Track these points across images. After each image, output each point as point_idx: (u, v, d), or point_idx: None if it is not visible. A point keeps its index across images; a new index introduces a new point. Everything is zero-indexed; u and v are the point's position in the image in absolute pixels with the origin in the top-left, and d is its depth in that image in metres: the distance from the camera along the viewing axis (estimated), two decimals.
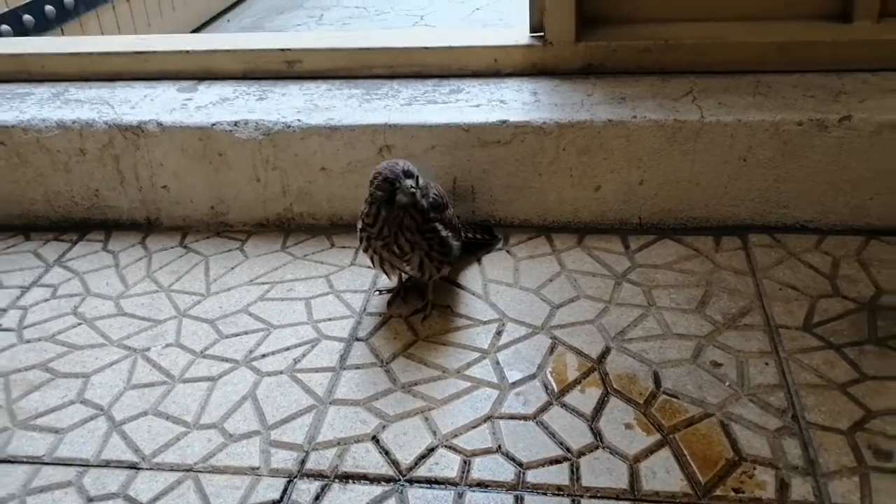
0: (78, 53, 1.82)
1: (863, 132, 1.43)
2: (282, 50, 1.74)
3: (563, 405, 1.20)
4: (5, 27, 2.98)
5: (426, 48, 1.70)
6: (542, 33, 1.67)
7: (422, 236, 1.33)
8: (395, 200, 1.29)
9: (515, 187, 1.58)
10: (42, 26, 3.25)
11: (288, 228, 1.68)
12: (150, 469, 1.15)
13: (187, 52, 1.78)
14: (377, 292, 1.47)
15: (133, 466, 1.15)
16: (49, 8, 3.32)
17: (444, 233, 1.35)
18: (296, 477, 1.12)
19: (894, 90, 1.51)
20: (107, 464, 1.16)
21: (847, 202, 1.50)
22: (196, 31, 4.46)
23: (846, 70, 1.59)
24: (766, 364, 1.24)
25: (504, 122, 1.53)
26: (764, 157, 1.48)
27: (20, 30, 3.06)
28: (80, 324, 1.46)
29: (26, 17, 3.13)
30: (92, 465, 1.16)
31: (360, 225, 1.36)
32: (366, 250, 1.37)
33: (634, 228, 1.59)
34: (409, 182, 1.28)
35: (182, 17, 4.35)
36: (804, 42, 1.59)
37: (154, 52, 1.79)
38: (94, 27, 3.65)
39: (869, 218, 1.51)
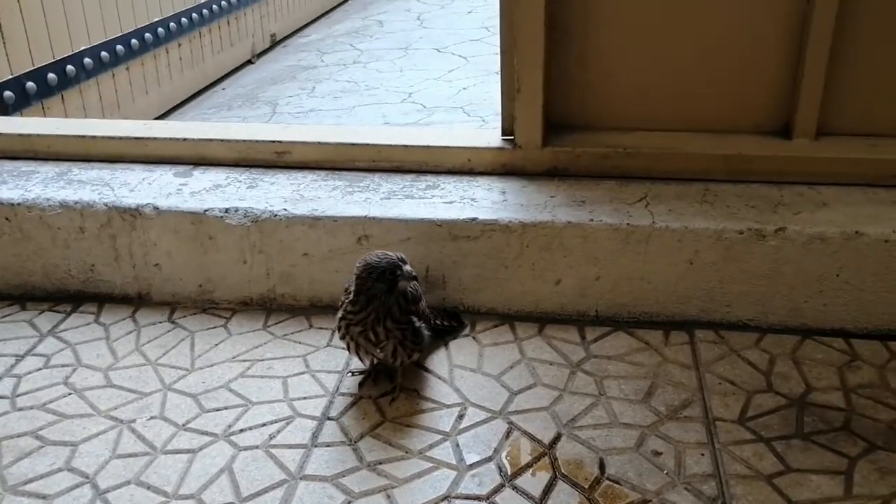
0: (83, 136, 1.96)
1: (796, 242, 1.59)
2: (272, 141, 1.89)
3: (515, 487, 1.31)
4: None
5: (406, 146, 1.85)
6: (512, 136, 1.83)
7: (397, 326, 1.45)
8: (395, 289, 1.42)
9: (483, 278, 1.71)
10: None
11: (270, 308, 1.80)
12: None
13: (184, 139, 1.93)
14: (350, 374, 1.59)
15: None
16: (51, 76, 3.47)
17: (417, 323, 1.48)
18: None
19: (826, 203, 1.67)
20: None
21: (784, 304, 1.64)
22: (192, 98, 4.64)
23: (786, 182, 1.75)
24: (702, 454, 1.36)
25: (474, 219, 1.67)
26: (709, 261, 1.63)
27: None
28: (70, 393, 1.56)
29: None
30: None
31: (340, 314, 1.49)
32: (343, 337, 1.49)
33: (591, 320, 1.72)
34: (408, 267, 1.42)
35: (179, 86, 4.52)
36: (749, 156, 1.75)
37: (154, 138, 1.94)
38: (94, 95, 3.80)
39: (804, 319, 1.65)
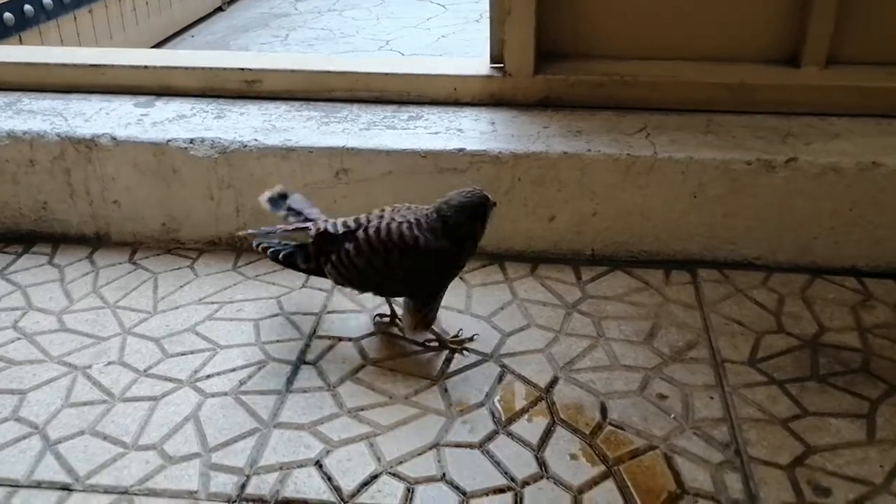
0: (34, 63, 1.79)
1: (808, 174, 1.47)
2: (241, 69, 1.74)
3: (510, 434, 1.20)
4: None
5: (387, 74, 1.71)
6: (501, 64, 1.69)
7: None
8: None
9: None
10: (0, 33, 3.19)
11: (240, 248, 1.66)
12: (84, 491, 1.11)
13: (146, 67, 1.77)
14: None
15: (66, 488, 1.12)
16: (7, 15, 3.27)
17: None
18: (235, 502, 1.10)
19: (839, 134, 1.55)
20: (38, 485, 1.13)
21: (793, 241, 1.54)
22: (159, 45, 4.43)
23: (794, 113, 1.64)
24: (711, 398, 1.26)
25: (461, 150, 1.54)
26: (714, 195, 1.51)
27: None
28: (19, 338, 1.42)
29: None
30: (22, 486, 1.12)
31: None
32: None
33: (587, 259, 1.60)
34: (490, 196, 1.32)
35: (145, 31, 4.31)
36: (754, 85, 1.64)
37: (112, 65, 1.78)
38: (54, 37, 3.60)
39: (814, 257, 1.55)
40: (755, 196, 1.51)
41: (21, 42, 3.37)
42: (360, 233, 1.29)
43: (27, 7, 3.37)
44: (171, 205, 1.64)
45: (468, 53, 4.03)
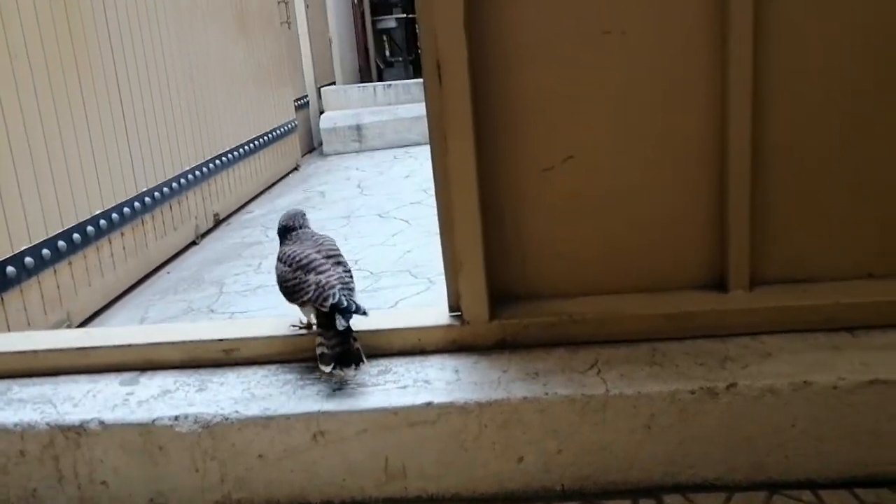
0: (24, 352, 1.91)
1: (748, 397, 1.60)
2: (220, 340, 1.88)
3: None
4: None
5: (355, 332, 1.85)
6: (459, 312, 1.85)
7: None
8: None
9: (444, 463, 1.67)
10: None
11: None
12: None
13: (129, 345, 1.90)
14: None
15: None
16: None
17: None
18: None
19: (770, 354, 1.70)
20: None
21: (746, 460, 1.64)
22: (136, 285, 4.61)
23: (730, 335, 1.79)
24: None
25: (429, 403, 1.65)
26: (666, 424, 1.63)
27: None
28: None
29: None
30: None
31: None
32: None
33: (558, 495, 1.68)
34: None
35: (122, 275, 4.50)
36: (690, 312, 1.80)
37: (97, 346, 1.90)
38: (34, 293, 3.75)
39: (769, 473, 1.64)
40: (704, 422, 1.62)
41: (3, 303, 3.52)
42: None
43: (10, 269, 3.55)
44: (158, 480, 1.71)
45: (433, 266, 4.25)
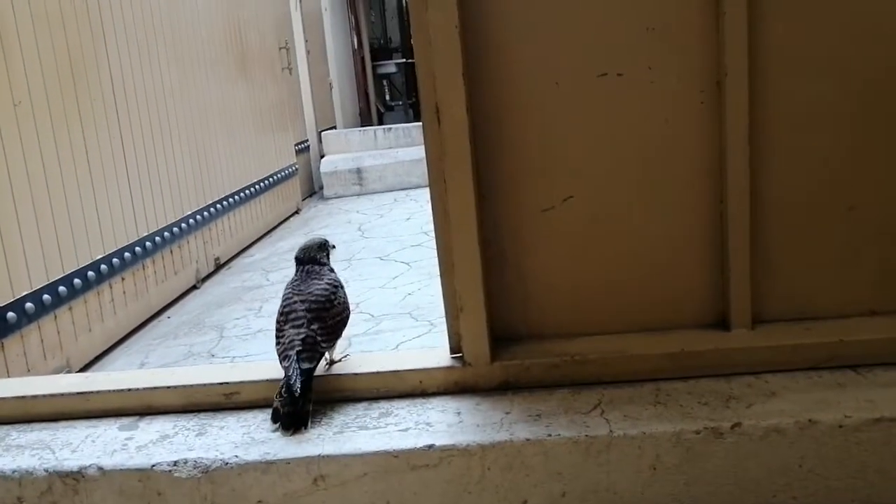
0: (23, 397, 1.90)
1: (753, 437, 1.59)
2: (220, 384, 1.86)
3: None
4: None
5: (356, 374, 1.85)
6: (460, 354, 1.84)
7: None
8: None
9: None
10: None
11: None
12: None
13: (129, 389, 1.89)
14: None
15: None
16: None
17: None
18: None
19: (775, 393, 1.69)
20: None
21: (754, 501, 1.62)
22: (136, 330, 4.60)
23: (733, 374, 1.78)
24: None
25: (431, 446, 1.64)
26: (671, 465, 1.61)
27: None
28: None
29: None
30: None
31: None
32: None
33: None
34: None
35: (123, 319, 4.49)
36: (693, 351, 1.79)
37: (96, 391, 1.89)
38: (34, 339, 3.74)
39: None
40: (709, 462, 1.60)
41: (3, 348, 3.51)
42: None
43: (10, 314, 3.55)
44: None
45: (434, 309, 4.24)
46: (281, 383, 1.76)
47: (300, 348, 1.75)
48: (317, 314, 1.81)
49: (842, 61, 1.75)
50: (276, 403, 1.75)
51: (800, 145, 1.78)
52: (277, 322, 1.84)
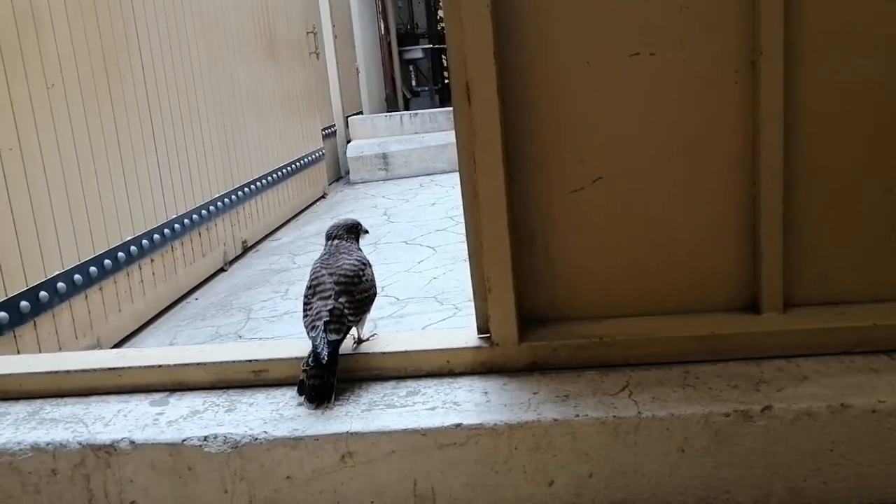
0: (56, 372, 1.93)
1: (784, 420, 1.57)
2: (249, 361, 1.88)
3: None
4: None
5: (384, 353, 1.85)
6: (488, 334, 1.84)
7: None
8: None
9: (473, 486, 1.65)
10: None
11: None
12: None
13: (159, 366, 1.91)
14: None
15: None
16: (24, 303, 3.48)
17: None
18: None
19: (806, 377, 1.67)
20: None
21: (784, 485, 1.60)
22: (165, 311, 4.65)
23: (763, 357, 1.76)
24: None
25: (458, 425, 1.64)
26: (700, 447, 1.60)
27: None
28: None
29: None
30: None
31: None
32: None
33: None
34: None
35: (152, 300, 4.55)
36: (722, 334, 1.78)
37: (128, 367, 1.92)
38: (66, 319, 3.80)
39: (806, 499, 1.60)
40: (739, 445, 1.59)
41: (36, 327, 3.57)
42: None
43: (42, 293, 3.60)
44: (187, 500, 1.71)
45: (459, 293, 4.25)
46: (307, 353, 1.77)
47: (327, 318, 1.76)
48: (345, 287, 1.83)
49: (879, 39, 1.71)
50: (303, 375, 1.76)
51: (835, 126, 1.75)
52: (305, 295, 1.86)
